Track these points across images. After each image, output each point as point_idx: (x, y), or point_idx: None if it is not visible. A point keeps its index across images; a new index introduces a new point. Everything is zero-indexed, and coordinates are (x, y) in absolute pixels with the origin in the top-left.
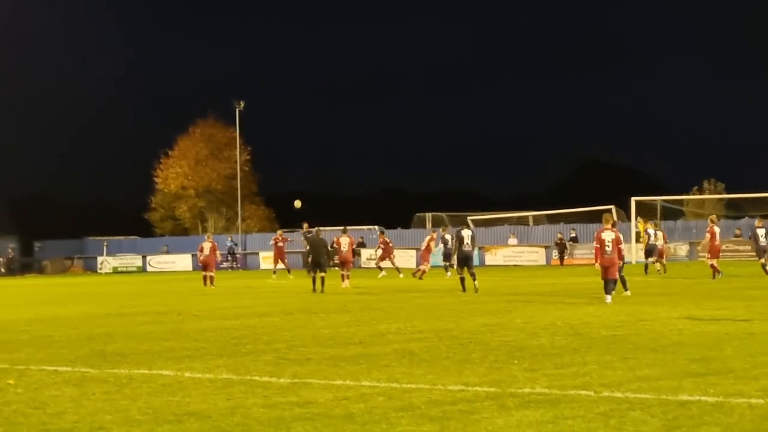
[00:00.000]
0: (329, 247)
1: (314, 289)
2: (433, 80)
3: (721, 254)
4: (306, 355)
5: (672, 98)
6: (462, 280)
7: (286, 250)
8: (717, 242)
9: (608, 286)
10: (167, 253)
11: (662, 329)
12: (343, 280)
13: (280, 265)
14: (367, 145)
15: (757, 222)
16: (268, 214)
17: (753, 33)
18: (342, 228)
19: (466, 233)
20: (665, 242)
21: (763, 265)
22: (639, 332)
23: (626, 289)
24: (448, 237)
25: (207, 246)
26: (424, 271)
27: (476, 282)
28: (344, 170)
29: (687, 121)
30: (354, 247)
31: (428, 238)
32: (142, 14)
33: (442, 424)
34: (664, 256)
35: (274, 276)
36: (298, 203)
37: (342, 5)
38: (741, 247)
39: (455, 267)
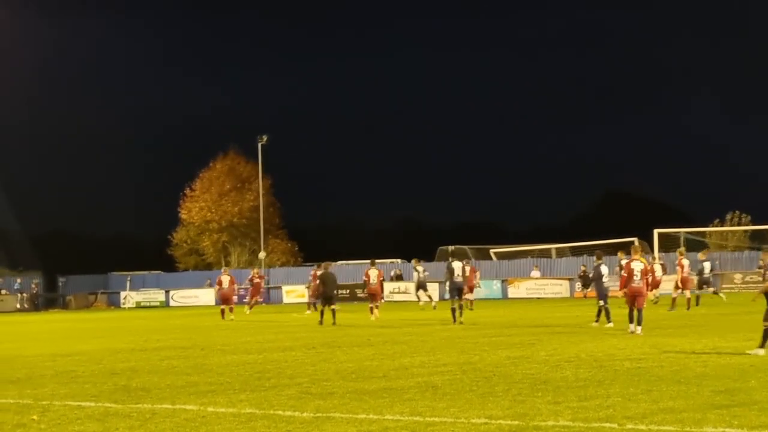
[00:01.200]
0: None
1: (321, 322)
2: (454, 112)
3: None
4: (329, 389)
5: (700, 131)
6: (453, 311)
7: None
8: (685, 274)
9: (635, 315)
10: (210, 286)
11: (686, 361)
12: (371, 312)
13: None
14: (387, 176)
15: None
16: (291, 248)
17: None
18: (370, 260)
19: (456, 265)
20: (663, 273)
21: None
22: (663, 364)
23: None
24: (454, 266)
25: (225, 279)
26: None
27: (462, 316)
28: (365, 202)
29: (717, 153)
30: (382, 279)
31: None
32: (166, 53)
33: None
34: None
35: (307, 312)
36: (262, 254)
37: (360, 35)
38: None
39: (448, 298)
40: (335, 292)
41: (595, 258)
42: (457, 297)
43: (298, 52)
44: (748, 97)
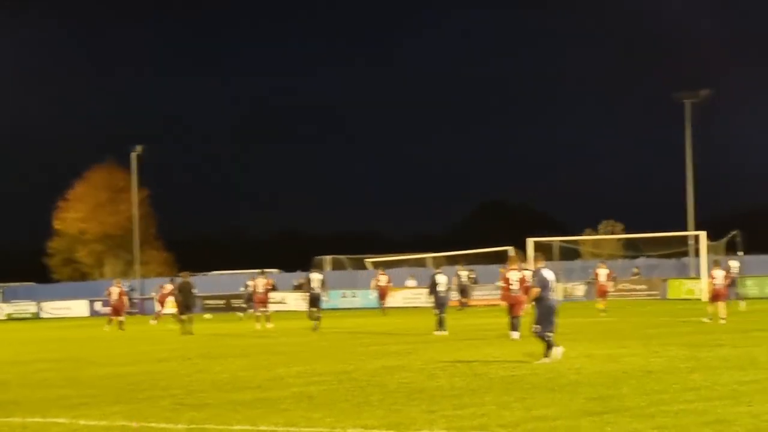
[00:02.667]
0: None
1: (183, 331)
2: (331, 123)
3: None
4: (204, 400)
5: (575, 141)
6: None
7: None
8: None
9: (514, 322)
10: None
11: (560, 369)
12: (258, 321)
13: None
14: (265, 188)
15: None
16: (167, 259)
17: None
18: (260, 270)
19: (314, 276)
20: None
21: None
22: (537, 372)
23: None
24: (439, 279)
25: (115, 291)
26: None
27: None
28: (243, 213)
29: (588, 162)
30: (269, 288)
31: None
32: (43, 59)
33: None
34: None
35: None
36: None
37: (238, 53)
38: (638, 286)
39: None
40: (192, 300)
41: (434, 267)
42: (316, 307)
43: (179, 65)
44: (619, 107)
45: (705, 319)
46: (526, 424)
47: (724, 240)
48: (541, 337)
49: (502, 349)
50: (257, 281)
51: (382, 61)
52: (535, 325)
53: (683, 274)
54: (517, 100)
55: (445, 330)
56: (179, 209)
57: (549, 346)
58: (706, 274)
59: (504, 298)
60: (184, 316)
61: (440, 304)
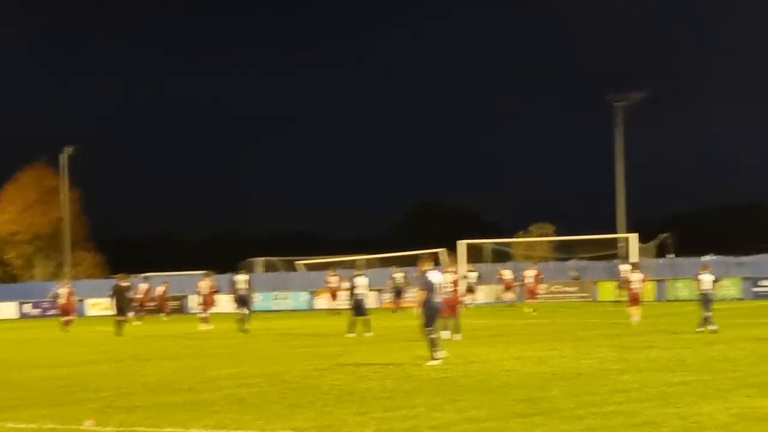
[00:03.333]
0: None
1: (118, 333)
2: (268, 123)
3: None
4: (134, 402)
5: (509, 144)
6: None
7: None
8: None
9: (451, 324)
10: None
11: (492, 370)
12: (201, 323)
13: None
14: (201, 189)
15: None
16: (99, 261)
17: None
18: (204, 272)
19: (240, 278)
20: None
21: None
22: (468, 374)
23: (458, 332)
24: (358, 281)
25: (64, 292)
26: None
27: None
28: (178, 215)
29: (521, 165)
30: (215, 290)
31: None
32: None
33: None
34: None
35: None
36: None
37: (178, 55)
38: (569, 288)
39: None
40: (127, 303)
41: (355, 270)
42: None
43: (114, 64)
44: (553, 109)
45: (632, 321)
46: (457, 426)
47: (655, 242)
48: (430, 339)
49: None
50: (202, 283)
51: (325, 62)
52: (425, 328)
53: (614, 276)
54: (451, 103)
55: (369, 332)
56: (112, 211)
57: (434, 346)
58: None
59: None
60: (119, 318)
61: (357, 306)
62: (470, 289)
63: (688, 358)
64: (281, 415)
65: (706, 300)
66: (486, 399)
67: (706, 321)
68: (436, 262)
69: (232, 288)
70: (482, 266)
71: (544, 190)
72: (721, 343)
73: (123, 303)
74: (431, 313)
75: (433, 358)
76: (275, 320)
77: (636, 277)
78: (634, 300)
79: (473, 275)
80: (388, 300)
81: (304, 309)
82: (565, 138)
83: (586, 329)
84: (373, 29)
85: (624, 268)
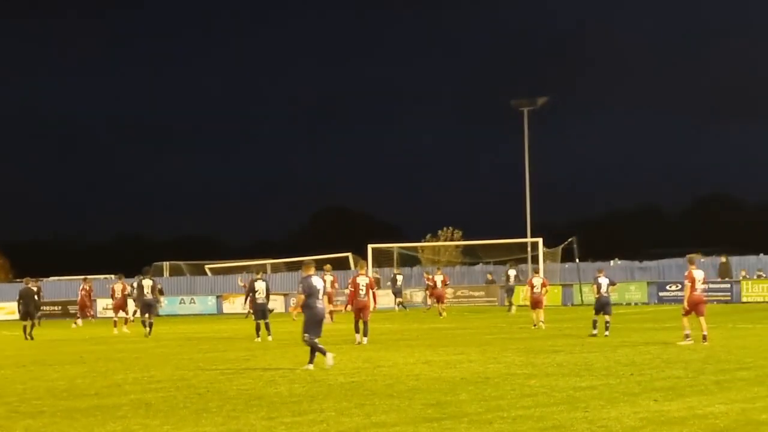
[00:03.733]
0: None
1: (26, 337)
2: (166, 131)
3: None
4: (39, 407)
5: (417, 148)
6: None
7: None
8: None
9: (361, 326)
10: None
11: (399, 375)
12: (115, 326)
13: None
14: (104, 193)
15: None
16: (3, 264)
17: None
18: (117, 275)
19: (145, 282)
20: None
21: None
22: (376, 378)
23: (365, 336)
24: (258, 285)
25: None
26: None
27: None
28: (82, 218)
29: (428, 170)
30: (126, 294)
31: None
32: None
33: None
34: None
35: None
36: None
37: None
38: (476, 293)
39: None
40: (32, 307)
41: (254, 273)
42: (148, 312)
43: (26, 65)
44: (460, 114)
45: (534, 326)
46: (365, 430)
47: (561, 247)
48: (309, 344)
49: (342, 355)
50: (115, 286)
51: (223, 62)
52: (303, 334)
53: (521, 280)
54: (359, 107)
55: (269, 336)
56: (16, 213)
57: (315, 351)
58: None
59: (351, 302)
60: (25, 323)
61: (258, 310)
62: (397, 292)
63: (594, 363)
64: (188, 420)
65: (604, 303)
66: (394, 403)
67: (595, 324)
68: (345, 265)
69: (138, 293)
70: (386, 270)
71: (452, 195)
72: (627, 347)
73: (29, 307)
74: (312, 318)
75: (311, 362)
76: (182, 324)
77: (537, 281)
78: (537, 303)
79: (400, 278)
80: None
81: (212, 313)
82: (472, 143)
83: (493, 333)
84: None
85: (512, 273)
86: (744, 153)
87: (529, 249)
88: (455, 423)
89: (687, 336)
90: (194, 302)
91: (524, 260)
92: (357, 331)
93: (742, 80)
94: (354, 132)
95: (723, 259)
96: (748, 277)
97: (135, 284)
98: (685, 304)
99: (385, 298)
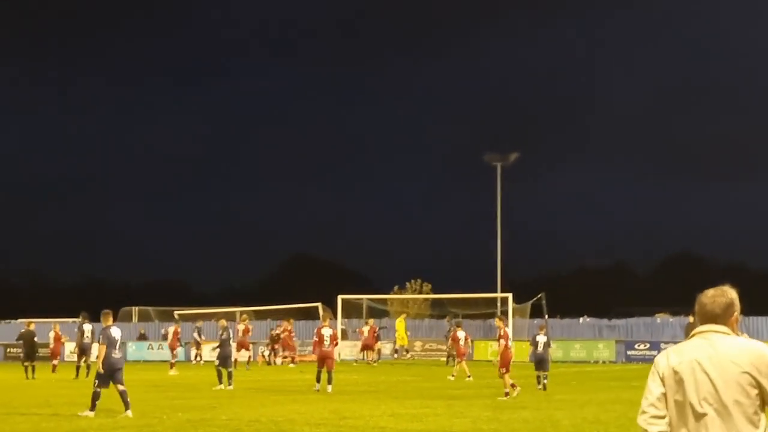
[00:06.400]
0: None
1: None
2: (135, 170)
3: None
4: None
5: (387, 199)
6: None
7: None
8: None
9: (324, 376)
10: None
11: (365, 427)
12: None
13: None
14: (70, 236)
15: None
16: None
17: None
18: (82, 317)
19: (87, 327)
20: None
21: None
22: (342, 430)
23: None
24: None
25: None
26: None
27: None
28: (46, 261)
29: (398, 222)
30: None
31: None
32: None
33: None
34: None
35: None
36: None
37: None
38: (444, 346)
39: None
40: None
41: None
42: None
43: None
44: (432, 168)
45: (450, 377)
46: None
47: (530, 302)
48: (94, 393)
49: (308, 406)
50: (85, 327)
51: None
52: (95, 380)
53: (489, 335)
54: (327, 155)
55: (231, 385)
56: None
57: (95, 399)
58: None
59: (316, 353)
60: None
61: (224, 357)
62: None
63: (561, 420)
64: None
65: (540, 359)
66: None
67: (539, 379)
68: (314, 315)
69: (78, 336)
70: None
71: (421, 249)
72: (593, 405)
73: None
74: (107, 368)
75: (91, 409)
76: (150, 371)
77: (461, 334)
78: (461, 355)
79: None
80: (263, 352)
81: (180, 361)
82: (444, 197)
83: (460, 388)
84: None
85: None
86: (712, 212)
87: (498, 304)
88: None
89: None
90: (162, 348)
91: (493, 315)
92: (318, 381)
93: (710, 139)
94: (325, 181)
95: (690, 319)
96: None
97: (76, 328)
98: None
99: (353, 349)
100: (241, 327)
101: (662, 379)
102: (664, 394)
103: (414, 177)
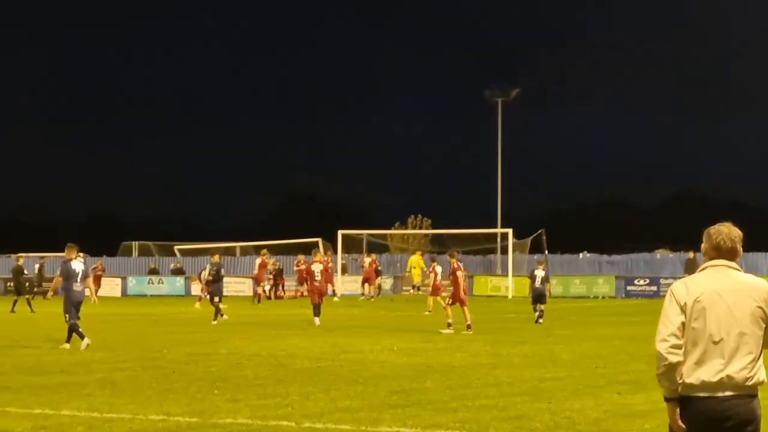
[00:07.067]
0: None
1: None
2: (144, 107)
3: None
4: (5, 383)
5: (388, 136)
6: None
7: None
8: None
9: (317, 309)
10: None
11: (365, 361)
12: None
13: None
14: (73, 170)
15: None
16: None
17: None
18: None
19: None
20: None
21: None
22: (342, 364)
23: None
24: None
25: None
26: None
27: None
28: (53, 196)
29: (399, 159)
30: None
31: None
32: None
33: None
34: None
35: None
36: None
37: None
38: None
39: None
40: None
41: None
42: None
43: None
44: (433, 103)
45: (426, 312)
46: (330, 415)
47: (530, 238)
48: (70, 325)
49: (308, 340)
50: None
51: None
52: (65, 314)
53: (490, 271)
54: (326, 94)
55: (218, 317)
56: None
57: (72, 332)
58: (510, 272)
59: (309, 288)
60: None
61: (216, 293)
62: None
63: (560, 355)
64: (154, 400)
65: (538, 294)
66: (359, 389)
67: (539, 314)
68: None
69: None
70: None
71: (422, 184)
72: (592, 341)
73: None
74: (70, 301)
75: (67, 341)
76: (149, 305)
77: (439, 269)
78: (436, 290)
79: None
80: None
81: (179, 294)
82: (444, 133)
83: (460, 323)
84: None
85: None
86: (714, 151)
87: (498, 240)
88: (420, 410)
89: None
90: (162, 283)
91: (493, 251)
92: (316, 315)
93: (717, 78)
94: (325, 119)
95: (690, 254)
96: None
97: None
98: None
99: (352, 284)
100: (258, 261)
101: (682, 308)
102: (683, 323)
103: (416, 114)
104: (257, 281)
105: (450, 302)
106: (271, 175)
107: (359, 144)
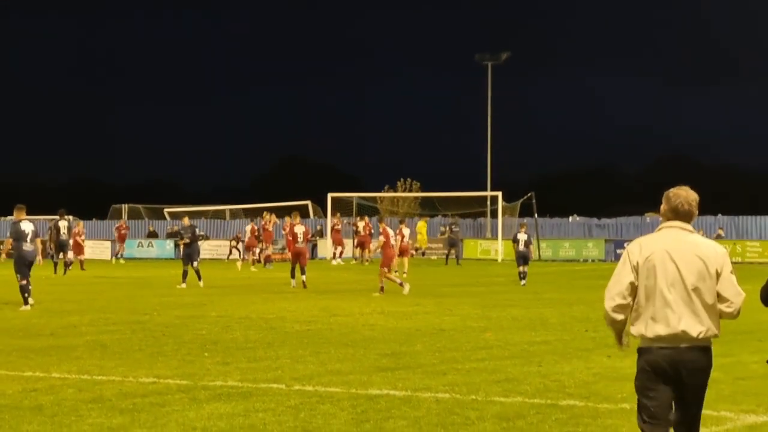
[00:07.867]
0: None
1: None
2: (141, 74)
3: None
4: None
5: (377, 100)
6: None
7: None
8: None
9: (298, 272)
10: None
11: (354, 324)
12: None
13: None
14: (63, 134)
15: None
16: None
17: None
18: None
19: (62, 224)
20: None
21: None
22: (332, 327)
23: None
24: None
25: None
26: None
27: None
28: (38, 159)
29: (390, 123)
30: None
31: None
32: None
33: (132, 416)
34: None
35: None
36: None
37: None
38: (434, 245)
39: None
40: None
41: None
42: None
43: None
44: (422, 67)
45: (394, 273)
46: (320, 378)
47: (520, 202)
48: (21, 287)
49: (298, 303)
50: (60, 225)
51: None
52: (16, 274)
53: (479, 234)
54: (308, 59)
55: (200, 280)
56: None
57: (24, 293)
58: (500, 236)
59: (290, 250)
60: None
61: (187, 255)
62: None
63: (549, 318)
64: (143, 363)
65: (524, 257)
66: (349, 352)
67: (522, 275)
68: (305, 214)
69: (54, 234)
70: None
71: (412, 148)
72: (582, 304)
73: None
74: (19, 261)
75: (25, 304)
76: (139, 268)
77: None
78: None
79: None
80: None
81: (169, 258)
82: (434, 96)
83: (450, 286)
84: None
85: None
86: (704, 116)
87: (488, 203)
88: (409, 373)
89: None
90: (152, 246)
91: (483, 214)
92: (293, 277)
93: (706, 45)
94: (313, 83)
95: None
96: (706, 236)
97: (51, 225)
98: None
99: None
100: (262, 223)
101: (634, 267)
102: (632, 283)
103: (406, 77)
104: (266, 243)
105: (386, 270)
106: (260, 138)
107: (351, 108)
